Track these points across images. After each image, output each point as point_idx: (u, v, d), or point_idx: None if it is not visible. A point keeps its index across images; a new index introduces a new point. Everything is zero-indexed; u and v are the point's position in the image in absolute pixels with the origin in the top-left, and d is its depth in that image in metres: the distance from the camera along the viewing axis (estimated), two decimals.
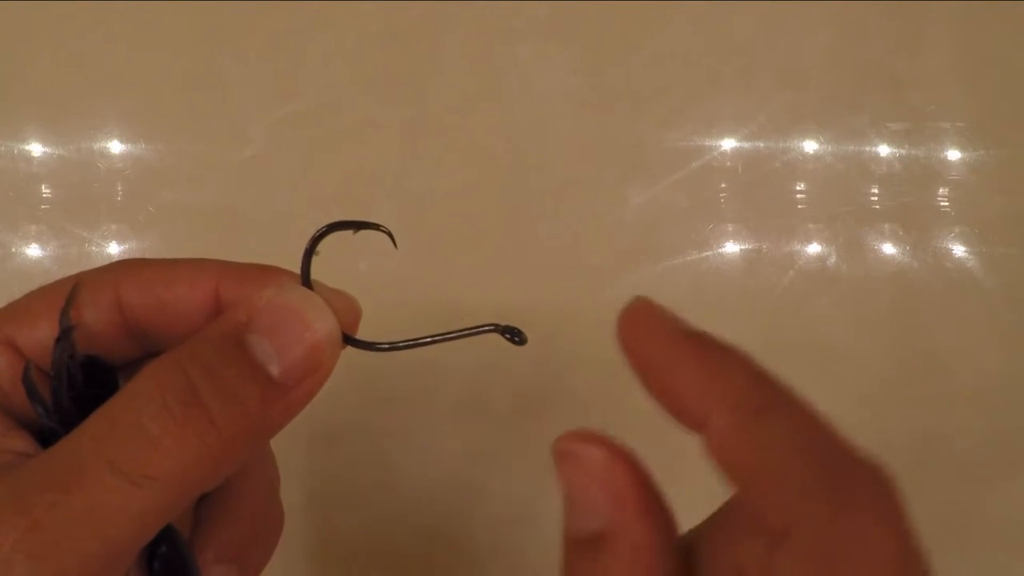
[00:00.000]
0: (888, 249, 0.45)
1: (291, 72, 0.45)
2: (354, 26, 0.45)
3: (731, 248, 0.45)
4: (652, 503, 0.20)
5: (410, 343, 0.23)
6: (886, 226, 0.45)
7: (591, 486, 0.20)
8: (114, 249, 0.43)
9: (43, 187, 0.43)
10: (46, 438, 0.22)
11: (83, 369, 0.22)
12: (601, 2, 0.45)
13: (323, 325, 0.22)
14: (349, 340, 0.23)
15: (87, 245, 0.43)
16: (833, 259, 0.45)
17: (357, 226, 0.24)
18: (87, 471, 0.19)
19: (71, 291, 0.23)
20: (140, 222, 0.43)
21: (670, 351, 0.20)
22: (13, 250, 0.43)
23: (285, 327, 0.21)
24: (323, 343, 0.22)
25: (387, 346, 0.23)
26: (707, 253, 0.45)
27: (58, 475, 0.19)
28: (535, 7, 0.45)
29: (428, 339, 0.23)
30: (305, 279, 0.23)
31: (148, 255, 0.43)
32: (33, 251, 0.43)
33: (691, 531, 0.20)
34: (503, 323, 0.23)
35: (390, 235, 0.24)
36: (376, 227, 0.24)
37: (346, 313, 0.23)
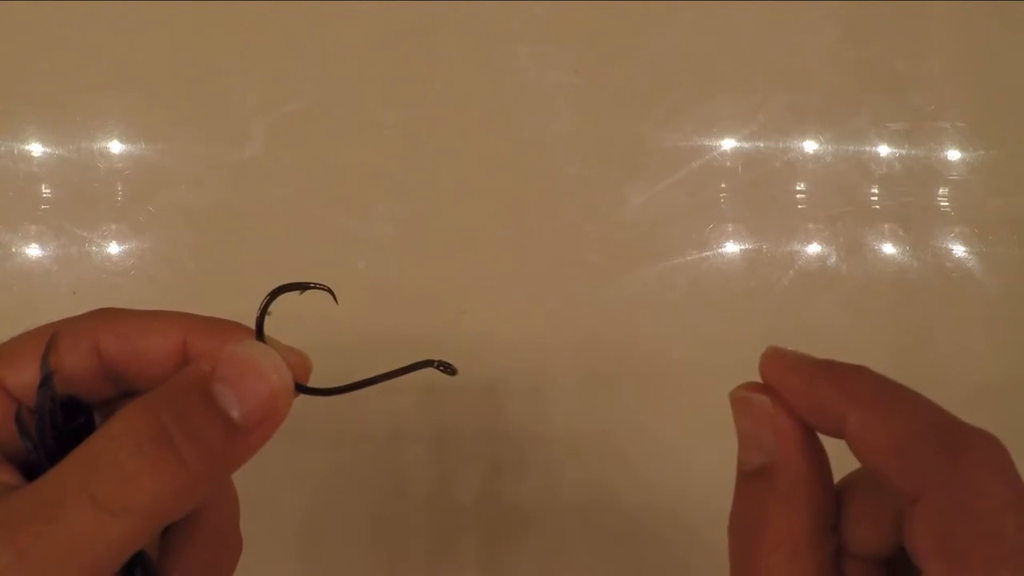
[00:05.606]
0: (888, 249, 0.45)
1: (291, 72, 0.45)
2: (354, 26, 0.45)
3: (731, 248, 0.45)
4: (810, 444, 0.24)
5: (354, 386, 0.26)
6: (886, 226, 0.45)
7: (760, 426, 0.24)
8: (114, 249, 0.43)
9: (43, 187, 0.43)
10: (31, 471, 0.24)
11: (63, 408, 0.25)
12: (601, 2, 0.45)
13: (278, 376, 0.24)
14: (301, 388, 0.26)
15: (87, 245, 0.43)
16: (833, 259, 0.45)
17: (302, 288, 0.27)
18: (69, 503, 0.21)
19: (50, 340, 0.25)
20: (140, 222, 0.43)
21: (806, 377, 0.24)
22: (13, 250, 0.43)
23: (245, 377, 0.24)
24: (278, 391, 0.24)
25: (334, 391, 0.26)
26: (707, 253, 0.45)
27: (43, 507, 0.21)
28: (534, 7, 0.45)
29: (369, 381, 0.26)
30: (259, 335, 0.26)
31: (148, 255, 0.43)
32: (33, 251, 0.43)
33: (841, 480, 0.24)
34: (436, 359, 0.26)
35: (331, 293, 0.27)
36: (319, 287, 0.27)
37: (298, 366, 0.26)
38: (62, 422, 0.25)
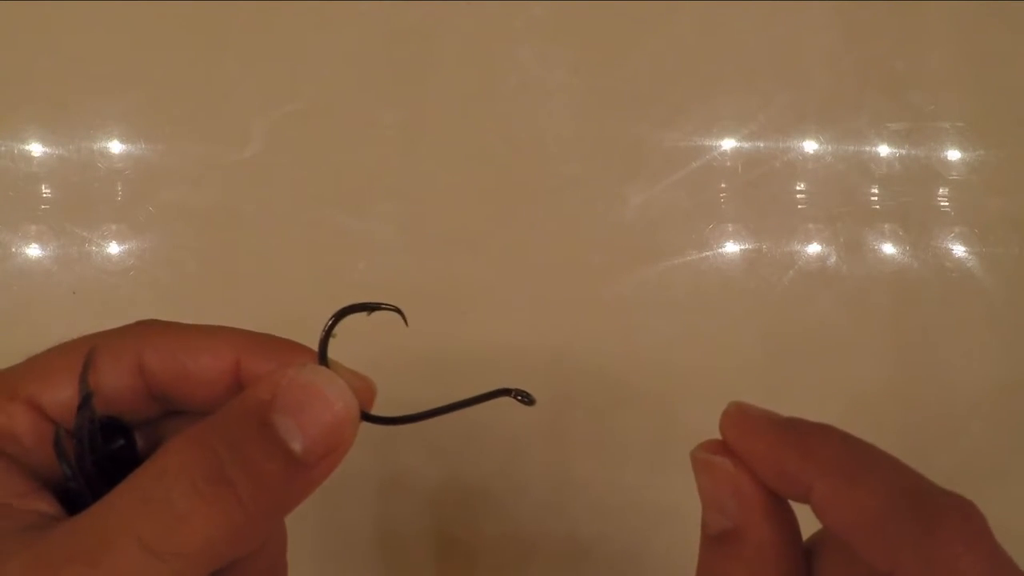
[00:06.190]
0: (888, 249, 0.45)
1: (291, 72, 0.45)
2: (354, 26, 0.45)
3: (731, 248, 0.45)
4: (776, 508, 0.22)
5: (425, 414, 0.24)
6: (886, 226, 0.45)
7: (722, 490, 0.22)
8: (114, 249, 0.43)
9: (43, 187, 0.43)
10: (70, 498, 0.22)
11: (102, 430, 0.23)
12: (601, 2, 0.45)
13: (343, 404, 0.22)
14: (366, 417, 0.24)
15: (87, 245, 0.43)
16: (833, 259, 0.45)
17: (370, 308, 0.25)
18: (115, 545, 0.19)
19: (88, 356, 0.23)
20: (140, 222, 0.43)
21: (770, 441, 0.22)
22: (13, 250, 0.43)
23: (308, 406, 0.22)
24: (344, 421, 0.22)
25: (402, 420, 0.24)
26: (707, 253, 0.45)
27: (85, 547, 0.20)
28: (534, 7, 0.45)
29: (441, 410, 0.25)
30: (323, 359, 0.24)
31: (148, 255, 0.43)
32: (33, 251, 0.43)
33: (813, 536, 0.23)
34: (513, 388, 0.25)
35: (401, 314, 0.25)
36: (388, 308, 0.25)
37: (362, 392, 0.24)
38: (101, 445, 0.23)
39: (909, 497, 0.20)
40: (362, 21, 0.45)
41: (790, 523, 0.22)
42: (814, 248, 0.45)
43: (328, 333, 0.24)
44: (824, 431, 0.22)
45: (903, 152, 0.45)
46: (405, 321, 0.25)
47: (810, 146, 0.45)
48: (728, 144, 0.45)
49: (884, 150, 0.45)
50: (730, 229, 0.45)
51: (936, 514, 0.19)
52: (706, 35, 0.46)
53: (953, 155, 0.45)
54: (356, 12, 0.45)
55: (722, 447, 0.23)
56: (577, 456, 0.44)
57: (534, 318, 0.44)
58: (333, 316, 0.24)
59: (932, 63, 0.46)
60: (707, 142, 0.45)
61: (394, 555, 0.44)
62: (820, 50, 0.46)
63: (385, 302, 0.25)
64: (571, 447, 0.44)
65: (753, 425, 0.23)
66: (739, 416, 0.23)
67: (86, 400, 0.23)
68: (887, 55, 0.46)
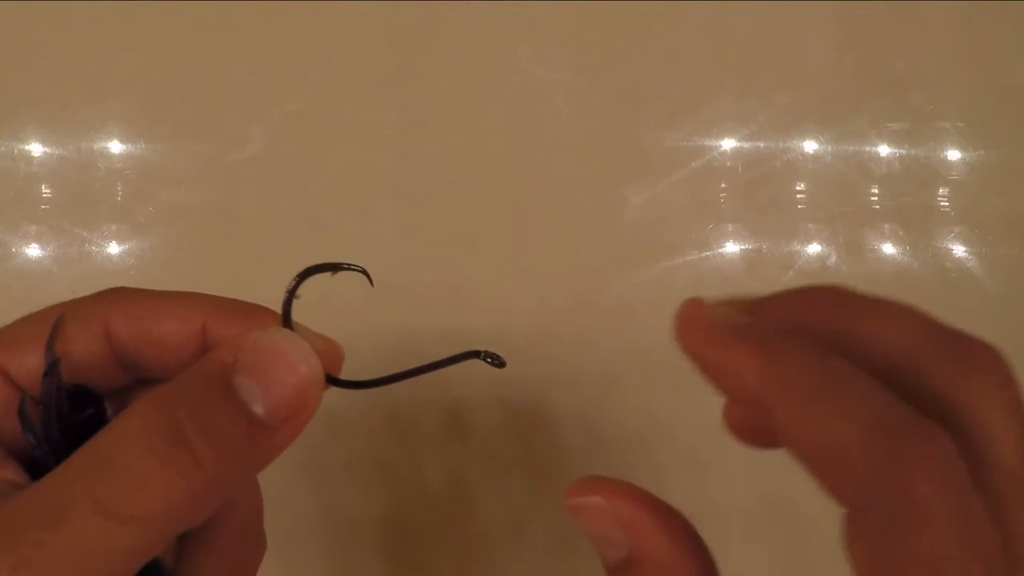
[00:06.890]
0: (888, 249, 0.45)
1: (291, 72, 0.45)
2: (354, 26, 0.45)
3: (731, 248, 0.45)
4: (662, 521, 0.21)
5: (391, 378, 0.24)
6: (886, 226, 0.45)
7: (603, 525, 0.21)
8: (114, 249, 0.43)
9: (43, 187, 0.43)
10: (36, 467, 0.22)
11: (71, 398, 0.23)
12: (601, 2, 0.45)
13: (307, 367, 0.22)
14: (332, 380, 0.23)
15: (87, 245, 0.43)
16: (833, 259, 0.45)
17: (334, 268, 0.25)
18: (73, 510, 0.19)
19: (55, 324, 0.23)
20: (140, 222, 0.43)
21: (726, 350, 0.20)
22: (13, 250, 0.43)
23: (271, 368, 0.21)
24: (308, 384, 0.22)
25: (369, 383, 0.24)
26: (707, 253, 0.45)
27: (45, 513, 0.19)
28: (535, 7, 0.45)
29: (408, 373, 0.24)
30: (286, 322, 0.24)
31: (148, 255, 0.43)
32: (33, 251, 0.43)
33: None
34: (482, 349, 0.24)
35: (366, 274, 0.25)
36: (353, 268, 0.25)
37: (328, 355, 0.23)
38: (69, 413, 0.23)
39: (880, 431, 0.18)
40: (362, 21, 0.45)
41: (683, 529, 0.21)
42: (814, 248, 0.45)
43: (291, 294, 0.24)
44: (790, 345, 0.19)
45: (903, 152, 0.45)
46: (371, 281, 0.24)
47: (810, 146, 0.45)
48: (728, 144, 0.45)
49: (884, 150, 0.45)
50: (730, 229, 0.45)
51: (907, 455, 0.17)
52: (706, 35, 0.46)
53: (953, 155, 0.45)
54: (356, 12, 0.45)
55: (589, 485, 0.22)
56: (577, 457, 0.44)
57: (534, 318, 0.44)
58: (297, 276, 0.24)
59: (932, 63, 0.46)
60: (707, 142, 0.45)
61: (379, 540, 0.44)
62: (820, 50, 0.46)
63: (350, 262, 0.24)
64: (571, 447, 0.44)
65: (708, 331, 0.20)
66: (692, 318, 0.20)
67: (52, 367, 0.23)
68: (887, 55, 0.46)
